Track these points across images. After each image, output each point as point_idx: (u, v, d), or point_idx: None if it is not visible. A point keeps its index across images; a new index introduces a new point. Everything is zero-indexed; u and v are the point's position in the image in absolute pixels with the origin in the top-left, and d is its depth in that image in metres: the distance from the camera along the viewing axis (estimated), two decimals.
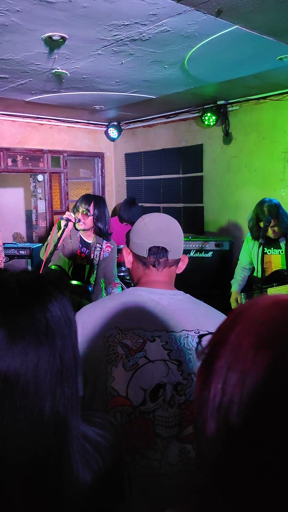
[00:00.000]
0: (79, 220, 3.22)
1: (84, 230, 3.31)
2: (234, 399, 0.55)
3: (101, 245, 3.35)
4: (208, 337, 0.66)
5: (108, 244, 3.42)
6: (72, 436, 0.70)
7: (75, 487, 0.69)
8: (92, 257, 3.34)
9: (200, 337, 1.25)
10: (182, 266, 1.44)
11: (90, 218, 3.26)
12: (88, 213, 3.24)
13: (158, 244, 1.35)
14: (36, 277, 0.76)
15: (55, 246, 3.08)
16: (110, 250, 3.43)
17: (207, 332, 1.23)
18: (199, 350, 0.67)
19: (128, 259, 1.42)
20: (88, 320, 1.29)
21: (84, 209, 3.24)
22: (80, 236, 3.36)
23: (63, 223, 3.08)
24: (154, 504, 1.16)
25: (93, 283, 3.36)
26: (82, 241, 3.38)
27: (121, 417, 1.19)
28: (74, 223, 3.22)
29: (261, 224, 3.24)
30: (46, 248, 3.17)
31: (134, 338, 1.24)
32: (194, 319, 1.31)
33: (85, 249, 3.37)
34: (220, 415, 0.56)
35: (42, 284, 0.73)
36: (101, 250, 3.34)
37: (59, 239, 3.08)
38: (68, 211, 3.22)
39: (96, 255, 3.33)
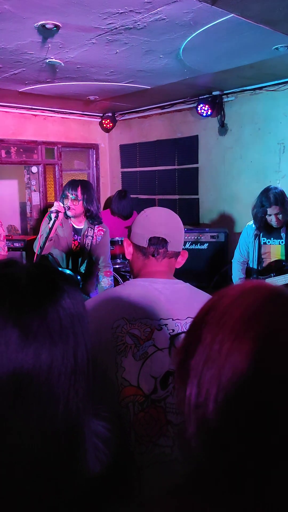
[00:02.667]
0: (69, 208, 3.18)
1: (75, 216, 3.27)
2: (210, 396, 0.53)
3: (93, 229, 3.32)
4: (182, 336, 0.65)
5: (100, 228, 3.37)
6: (84, 436, 0.69)
7: (86, 484, 0.69)
8: (84, 244, 3.30)
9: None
10: (181, 261, 1.47)
11: (80, 203, 3.22)
12: (78, 198, 3.20)
13: (159, 235, 1.38)
14: (48, 271, 0.73)
15: (47, 238, 3.03)
16: (102, 233, 3.37)
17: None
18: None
19: (128, 250, 1.45)
20: (94, 314, 1.31)
21: (73, 195, 3.20)
22: (72, 223, 3.32)
23: (53, 215, 3.05)
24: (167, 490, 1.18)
25: (83, 271, 3.32)
26: (73, 228, 3.34)
27: (133, 407, 1.21)
28: (65, 212, 3.16)
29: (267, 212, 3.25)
30: (38, 241, 3.14)
31: (142, 327, 1.27)
32: (197, 306, 1.34)
33: (77, 236, 3.34)
34: (198, 415, 0.54)
35: (54, 279, 0.71)
36: (93, 235, 3.30)
37: (50, 230, 3.03)
38: (57, 201, 3.18)
39: (88, 243, 3.29)
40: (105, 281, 3.36)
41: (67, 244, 3.29)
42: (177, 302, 1.33)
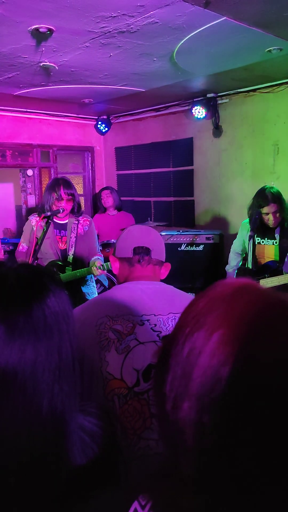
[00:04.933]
0: (64, 210, 3.14)
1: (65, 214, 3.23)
2: (178, 402, 0.54)
3: (78, 221, 3.28)
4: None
5: (85, 218, 3.34)
6: (70, 431, 0.71)
7: (73, 478, 0.70)
8: (70, 237, 3.23)
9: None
10: (165, 272, 1.55)
11: (71, 200, 3.20)
12: (74, 198, 3.18)
13: (142, 245, 1.48)
14: (35, 270, 0.76)
15: (40, 246, 2.96)
16: (88, 223, 3.34)
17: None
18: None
19: (115, 265, 1.54)
20: (81, 316, 1.36)
21: (69, 196, 3.16)
22: (53, 221, 3.20)
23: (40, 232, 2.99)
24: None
25: (71, 261, 3.26)
26: (56, 225, 3.25)
27: (118, 400, 1.26)
28: (49, 216, 3.04)
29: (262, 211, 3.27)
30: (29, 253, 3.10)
31: (124, 323, 1.32)
32: (179, 303, 1.42)
33: (63, 232, 3.27)
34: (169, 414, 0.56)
35: (41, 279, 0.74)
36: (78, 226, 3.26)
37: (42, 239, 2.96)
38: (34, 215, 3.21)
39: (74, 236, 3.24)
40: (99, 260, 3.28)
41: (52, 243, 3.22)
42: (159, 299, 1.39)
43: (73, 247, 3.24)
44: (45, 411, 0.67)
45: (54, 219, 3.22)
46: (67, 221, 3.28)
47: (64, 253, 3.25)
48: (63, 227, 3.27)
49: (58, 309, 0.71)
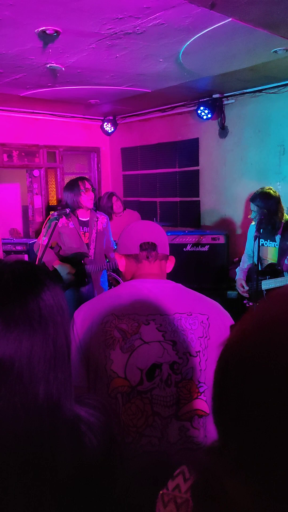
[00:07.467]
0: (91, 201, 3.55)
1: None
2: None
3: (97, 218, 3.69)
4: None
5: (102, 215, 3.77)
6: (65, 418, 0.74)
7: (69, 466, 0.73)
8: (92, 233, 3.64)
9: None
10: (170, 265, 1.56)
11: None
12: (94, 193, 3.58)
13: (148, 240, 1.49)
14: (30, 267, 0.79)
15: (47, 244, 3.11)
16: (106, 220, 3.75)
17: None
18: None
19: (121, 263, 1.54)
20: (88, 314, 1.39)
21: (92, 187, 3.56)
22: (77, 218, 3.61)
23: (52, 223, 3.20)
24: (156, 480, 1.19)
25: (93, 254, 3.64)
26: (80, 222, 3.63)
27: (121, 398, 1.28)
28: (72, 210, 3.43)
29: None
30: (39, 247, 3.21)
31: (130, 322, 1.34)
32: (186, 303, 1.42)
33: (86, 228, 3.65)
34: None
35: (35, 274, 0.77)
36: (97, 222, 3.67)
37: (50, 237, 3.13)
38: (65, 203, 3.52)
39: (95, 231, 3.64)
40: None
41: (76, 239, 3.58)
42: (165, 299, 1.40)
43: (94, 242, 3.66)
44: (41, 398, 0.70)
45: (79, 217, 3.63)
46: (88, 218, 3.67)
47: (87, 247, 3.66)
48: (85, 223, 3.67)
49: (53, 302, 0.74)
